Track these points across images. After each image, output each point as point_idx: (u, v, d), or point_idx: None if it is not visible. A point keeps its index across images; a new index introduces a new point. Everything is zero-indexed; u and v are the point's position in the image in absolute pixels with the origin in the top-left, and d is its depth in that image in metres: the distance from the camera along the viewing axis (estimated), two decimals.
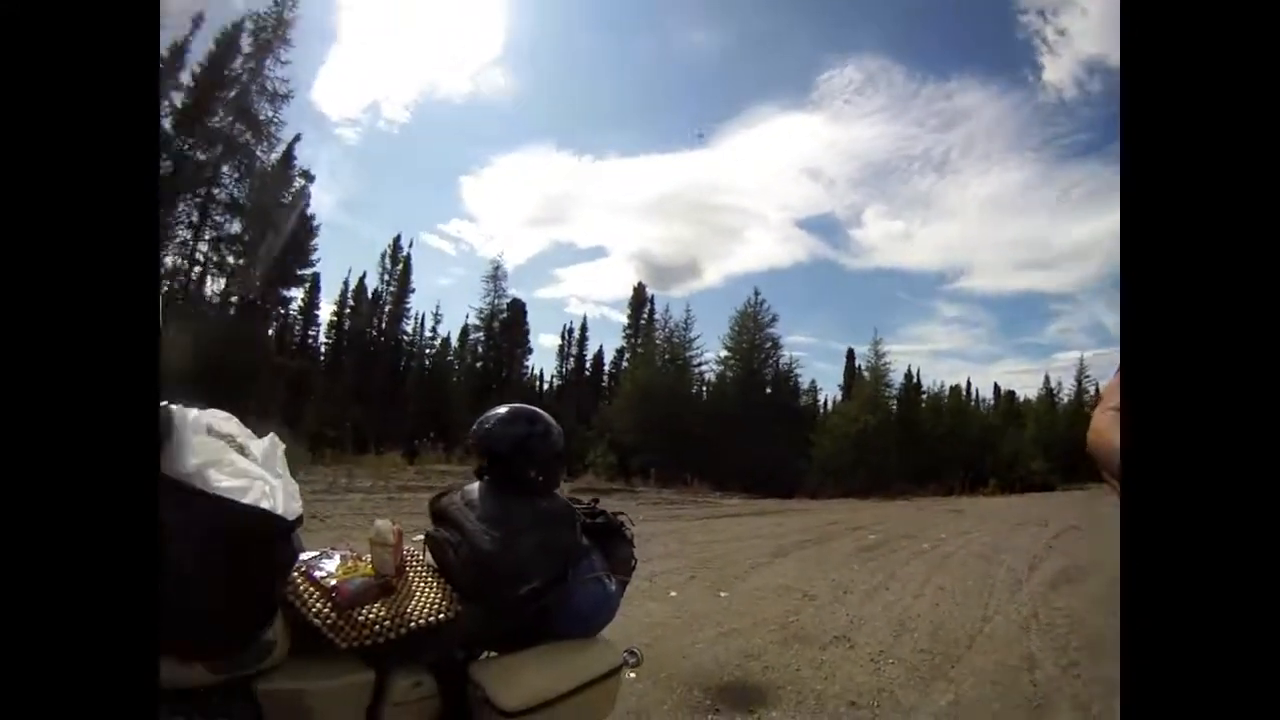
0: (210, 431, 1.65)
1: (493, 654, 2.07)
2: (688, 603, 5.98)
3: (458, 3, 66.94)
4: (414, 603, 1.90)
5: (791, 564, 8.36)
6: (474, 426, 2.30)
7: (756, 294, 36.13)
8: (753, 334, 34.96)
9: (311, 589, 1.83)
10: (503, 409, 2.33)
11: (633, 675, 2.32)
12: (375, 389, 33.58)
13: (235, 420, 1.74)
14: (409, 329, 40.48)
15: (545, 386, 42.28)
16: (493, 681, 1.90)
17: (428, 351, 41.02)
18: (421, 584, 1.99)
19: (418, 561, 2.09)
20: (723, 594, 6.45)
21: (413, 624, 1.83)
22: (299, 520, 1.63)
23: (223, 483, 1.56)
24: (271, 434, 1.79)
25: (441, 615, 1.90)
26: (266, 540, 1.61)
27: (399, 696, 1.84)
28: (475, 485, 2.23)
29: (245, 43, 29.26)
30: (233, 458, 1.63)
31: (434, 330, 41.03)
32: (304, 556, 1.89)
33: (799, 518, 14.01)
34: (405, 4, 66.49)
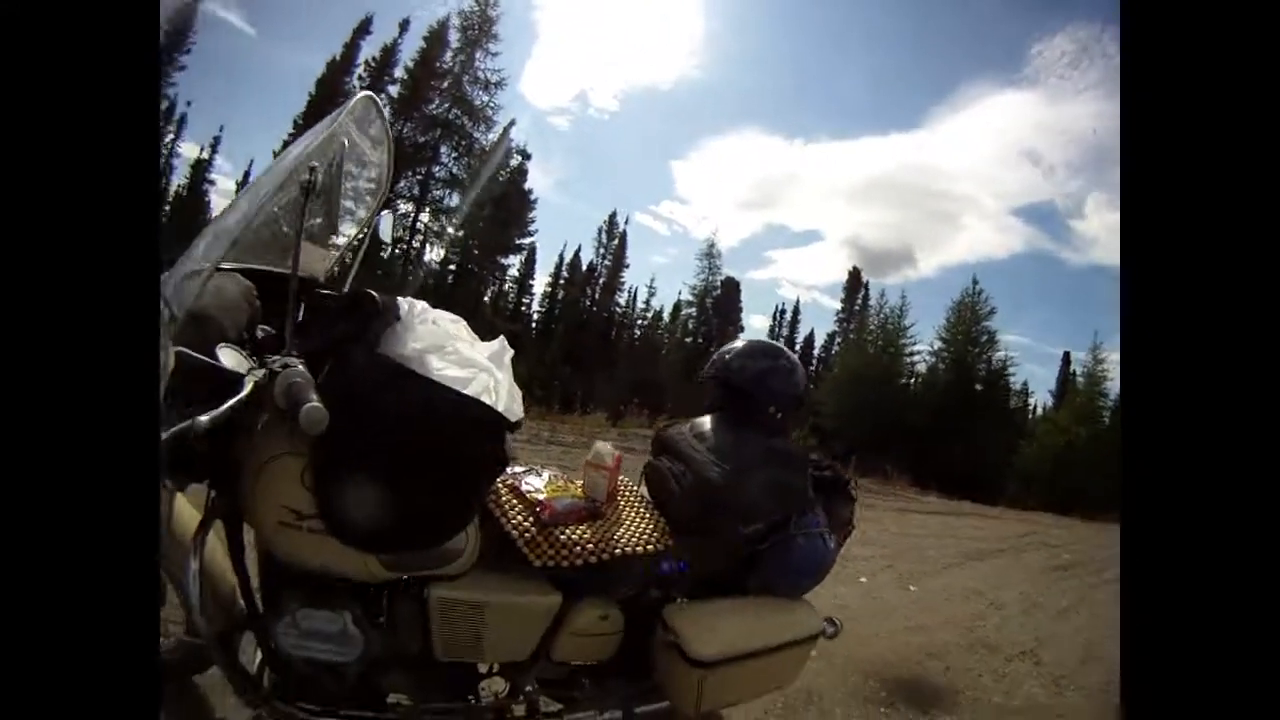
0: (436, 324, 1.60)
1: (683, 600, 1.94)
2: (876, 591, 5.71)
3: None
4: (622, 530, 1.81)
5: (985, 569, 7.89)
6: (712, 357, 2.18)
7: (975, 283, 34.47)
8: (969, 325, 33.04)
9: (515, 501, 1.77)
10: (740, 342, 2.20)
11: (813, 653, 2.19)
12: (586, 355, 34.90)
13: (464, 324, 1.68)
14: (622, 301, 41.89)
15: None
16: (689, 627, 1.77)
17: (639, 322, 42.32)
18: (633, 513, 1.89)
19: (632, 492, 2.00)
20: (912, 588, 6.14)
21: (617, 550, 1.74)
22: (518, 424, 1.56)
23: (444, 370, 1.50)
24: (501, 336, 1.72)
25: (650, 546, 1.79)
26: (481, 436, 1.53)
27: (581, 627, 1.76)
28: (705, 419, 2.10)
29: (453, 39, 32.22)
30: (458, 346, 1.57)
31: (647, 303, 42.36)
32: (510, 470, 1.84)
33: (996, 525, 13.21)
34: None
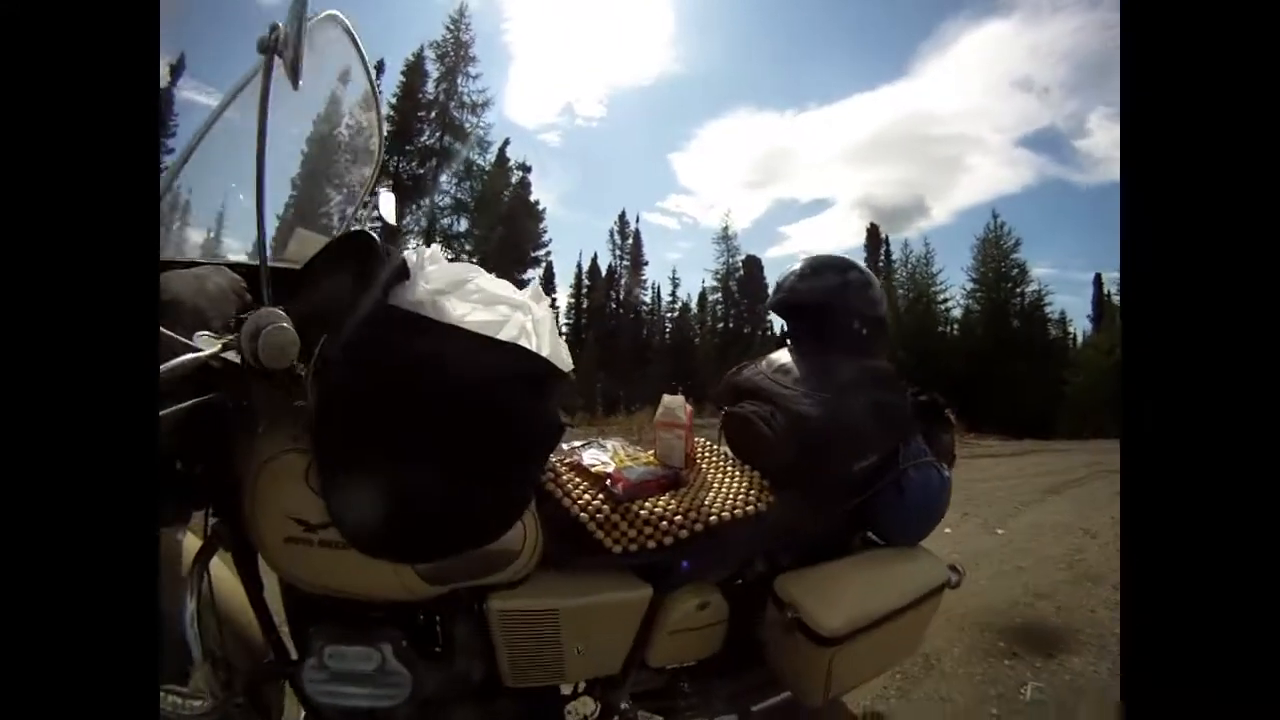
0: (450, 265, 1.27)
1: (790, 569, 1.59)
2: (964, 540, 5.39)
3: (615, 2, 67.84)
4: (712, 495, 1.47)
5: (1065, 502, 7.58)
6: (772, 292, 1.85)
7: (995, 217, 34.46)
8: (997, 262, 32.60)
9: (578, 478, 1.44)
10: (798, 264, 1.84)
11: None
12: (620, 357, 34.95)
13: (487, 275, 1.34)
14: (647, 299, 41.99)
15: None
16: (809, 598, 1.44)
17: (668, 316, 42.29)
18: (719, 474, 1.55)
19: (711, 451, 1.66)
20: (999, 531, 5.85)
21: (712, 519, 1.40)
22: (570, 376, 1.24)
23: (469, 315, 1.16)
24: (535, 280, 1.39)
25: (750, 508, 1.45)
26: (527, 393, 1.20)
27: (678, 622, 1.43)
28: (780, 353, 1.75)
29: (432, 70, 32.54)
30: (481, 283, 1.23)
31: (673, 294, 42.48)
32: (565, 445, 1.52)
33: (1061, 458, 12.72)
34: (565, 8, 68.44)
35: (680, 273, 64.74)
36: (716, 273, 41.75)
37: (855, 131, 73.90)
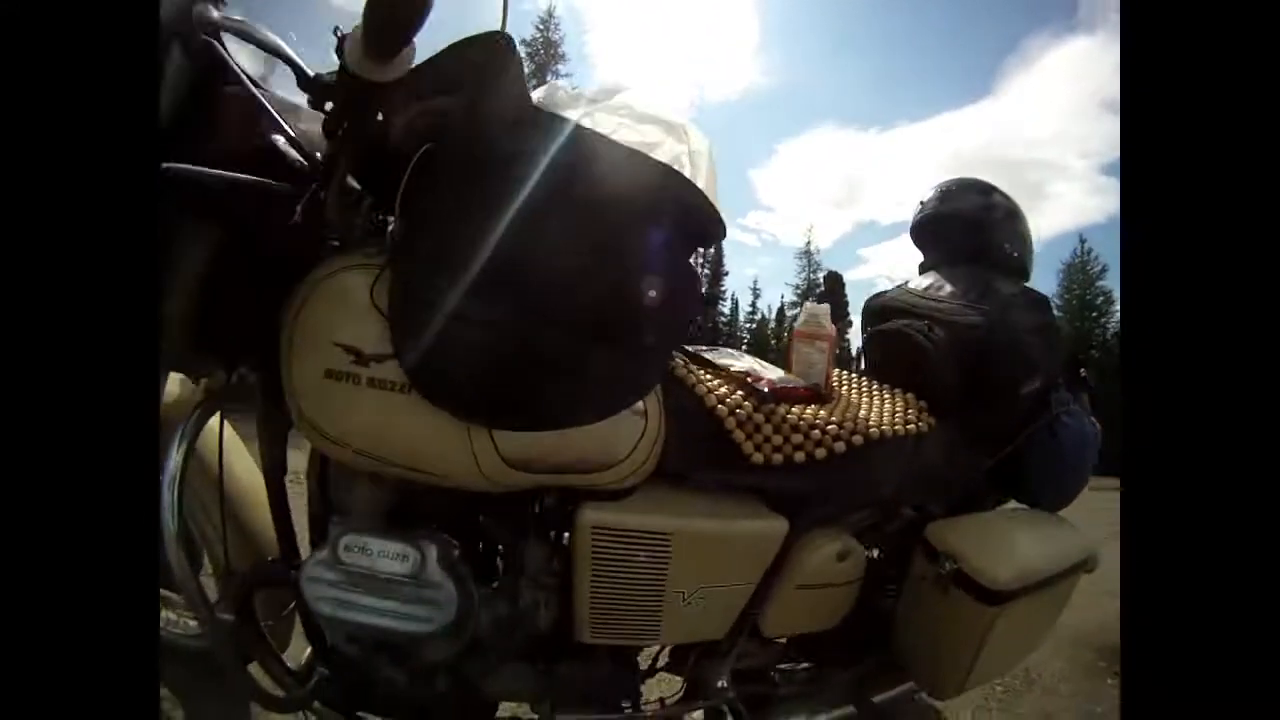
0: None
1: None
2: None
3: (703, 7, 67.73)
4: (865, 410, 1.21)
5: None
6: (913, 216, 1.62)
7: (1082, 242, 33.36)
8: (1082, 288, 31.48)
9: (707, 375, 1.15)
10: (932, 190, 1.60)
11: None
12: None
13: None
14: (725, 310, 42.01)
15: None
16: (971, 546, 1.17)
17: (747, 328, 42.08)
18: (865, 397, 1.29)
19: (850, 378, 1.40)
20: None
21: (873, 431, 1.14)
22: (724, 233, 0.98)
23: (614, 132, 0.92)
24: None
25: (911, 426, 1.19)
26: (678, 232, 0.94)
27: (812, 573, 1.15)
28: (924, 277, 1.50)
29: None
30: (628, 98, 0.99)
31: (753, 306, 42.23)
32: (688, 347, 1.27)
33: None
34: (651, 19, 68.52)
35: (760, 285, 64.71)
36: (797, 287, 41.50)
37: (938, 152, 72.76)
